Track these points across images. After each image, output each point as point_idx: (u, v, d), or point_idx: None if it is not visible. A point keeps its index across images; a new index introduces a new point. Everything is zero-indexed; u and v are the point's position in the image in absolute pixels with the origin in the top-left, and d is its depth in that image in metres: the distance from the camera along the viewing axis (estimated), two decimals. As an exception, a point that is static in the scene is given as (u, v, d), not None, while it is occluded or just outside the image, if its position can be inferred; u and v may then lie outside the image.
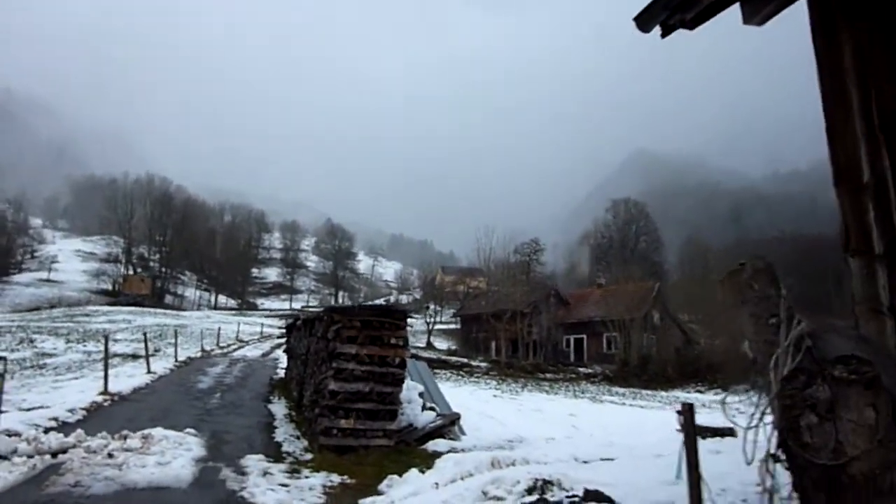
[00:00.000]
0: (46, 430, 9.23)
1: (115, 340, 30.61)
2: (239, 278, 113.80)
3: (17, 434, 8.57)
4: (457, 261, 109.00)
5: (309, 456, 8.93)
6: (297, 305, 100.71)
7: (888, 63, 3.12)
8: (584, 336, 51.71)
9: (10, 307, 73.62)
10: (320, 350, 10.55)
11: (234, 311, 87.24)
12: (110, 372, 15.26)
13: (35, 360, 25.22)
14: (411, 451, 9.52)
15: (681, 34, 3.93)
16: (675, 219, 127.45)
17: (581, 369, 44.85)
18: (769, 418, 3.05)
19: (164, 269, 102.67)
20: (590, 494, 5.38)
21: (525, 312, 49.01)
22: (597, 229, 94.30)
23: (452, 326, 67.85)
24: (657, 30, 3.87)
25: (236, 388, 16.52)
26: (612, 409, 23.40)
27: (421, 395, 11.20)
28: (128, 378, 17.36)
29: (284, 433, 10.63)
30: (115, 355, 24.49)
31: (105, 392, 13.81)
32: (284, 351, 20.17)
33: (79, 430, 8.82)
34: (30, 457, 7.67)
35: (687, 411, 4.13)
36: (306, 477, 7.63)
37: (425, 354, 38.22)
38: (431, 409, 11.24)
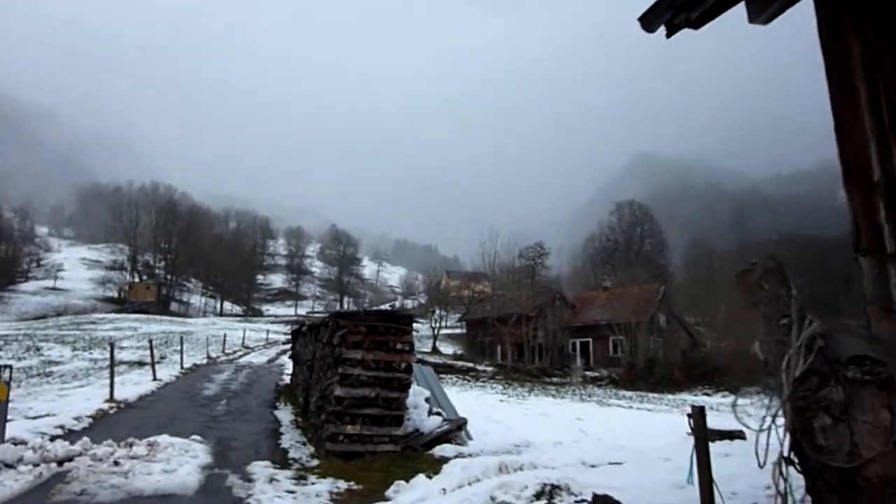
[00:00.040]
0: (52, 438, 9.21)
1: (121, 348, 30.68)
2: (244, 285, 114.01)
3: (24, 442, 8.57)
4: (461, 265, 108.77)
5: (315, 462, 8.90)
6: (302, 311, 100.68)
7: (897, 59, 3.08)
8: (590, 339, 51.53)
9: (17, 315, 73.91)
10: (326, 356, 10.51)
11: (239, 318, 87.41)
12: (116, 379, 15.28)
13: (41, 368, 25.24)
14: (418, 456, 9.47)
15: (684, 34, 3.89)
16: (680, 221, 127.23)
17: (587, 373, 44.68)
18: (781, 420, 3.01)
19: (169, 277, 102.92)
20: (599, 499, 5.34)
21: (530, 316, 48.87)
22: (601, 232, 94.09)
23: (458, 331, 67.76)
24: (661, 30, 3.84)
25: (242, 394, 16.50)
26: (619, 412, 23.31)
27: (427, 400, 11.15)
28: (134, 385, 17.37)
29: (290, 439, 10.60)
30: (121, 363, 24.53)
31: (111, 400, 13.82)
32: (290, 357, 20.11)
33: (85, 438, 8.81)
34: (36, 465, 7.65)
35: (697, 414, 4.08)
36: (313, 483, 7.60)
37: (431, 359, 38.19)
38: (438, 414, 11.18)
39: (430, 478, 7.28)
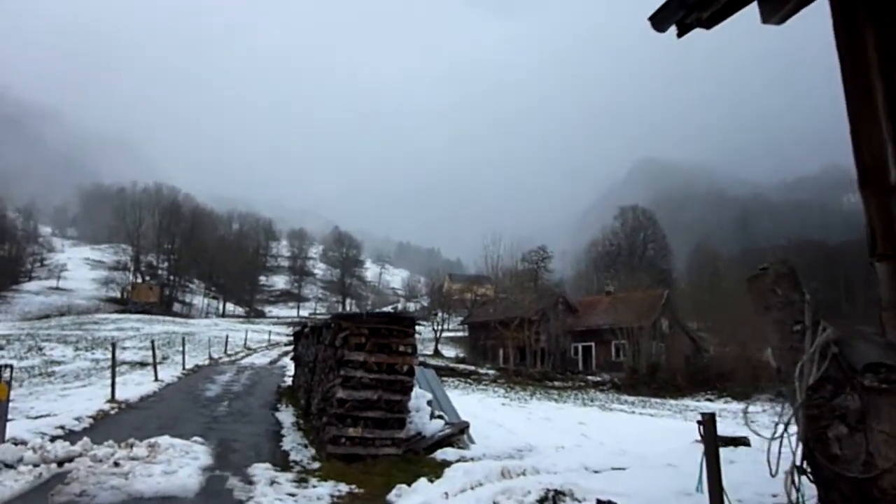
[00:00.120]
0: (53, 439, 9.16)
1: (123, 348, 30.68)
2: (247, 286, 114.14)
3: (24, 442, 8.52)
4: (464, 268, 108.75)
5: (317, 465, 8.83)
6: (304, 313, 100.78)
7: (914, 61, 3.02)
8: (593, 344, 51.39)
9: (20, 315, 74.07)
10: (328, 358, 10.46)
11: (241, 319, 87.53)
12: (118, 380, 15.25)
13: (43, 367, 25.23)
14: (420, 459, 9.40)
15: (693, 36, 3.82)
16: (683, 226, 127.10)
17: (590, 377, 44.57)
18: (793, 429, 2.94)
19: (172, 278, 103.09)
20: (603, 506, 5.27)
21: (533, 320, 48.77)
22: (605, 237, 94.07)
23: (460, 334, 67.69)
24: (672, 31, 3.77)
25: (244, 395, 16.46)
26: (621, 417, 23.17)
27: (429, 403, 11.09)
28: (135, 386, 17.35)
29: (292, 441, 10.53)
30: (123, 363, 24.52)
31: (112, 400, 13.79)
32: (292, 359, 20.08)
33: (85, 439, 8.76)
34: (35, 465, 7.60)
35: (708, 421, 4.01)
36: (314, 486, 7.53)
37: (433, 362, 38.08)
38: (440, 417, 11.12)
39: (432, 482, 7.21)
